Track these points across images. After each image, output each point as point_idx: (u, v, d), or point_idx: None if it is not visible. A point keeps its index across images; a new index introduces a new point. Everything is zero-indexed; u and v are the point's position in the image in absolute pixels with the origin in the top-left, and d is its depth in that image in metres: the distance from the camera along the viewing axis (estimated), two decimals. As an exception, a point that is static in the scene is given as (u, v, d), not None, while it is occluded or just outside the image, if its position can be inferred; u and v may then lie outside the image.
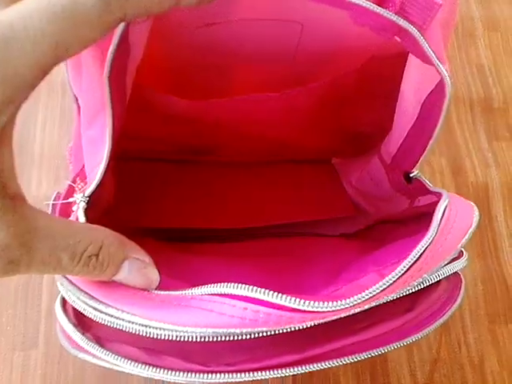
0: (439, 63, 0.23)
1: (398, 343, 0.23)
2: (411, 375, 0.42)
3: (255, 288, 0.18)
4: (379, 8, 0.21)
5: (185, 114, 0.35)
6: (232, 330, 0.19)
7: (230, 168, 0.41)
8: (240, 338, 0.19)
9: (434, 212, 0.22)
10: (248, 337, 0.19)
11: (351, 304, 0.19)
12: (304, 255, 0.34)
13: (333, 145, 0.42)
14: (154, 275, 0.20)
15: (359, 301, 0.19)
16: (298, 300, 0.18)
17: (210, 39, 0.31)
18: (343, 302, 0.18)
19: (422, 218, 0.29)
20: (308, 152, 0.42)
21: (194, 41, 0.30)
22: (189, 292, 0.19)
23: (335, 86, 0.35)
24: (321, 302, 0.18)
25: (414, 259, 0.20)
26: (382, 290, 0.19)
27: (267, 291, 0.18)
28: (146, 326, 0.19)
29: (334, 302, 0.18)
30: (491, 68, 0.54)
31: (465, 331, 0.44)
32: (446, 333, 0.44)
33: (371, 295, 0.19)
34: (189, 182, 0.40)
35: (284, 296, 0.18)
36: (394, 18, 0.21)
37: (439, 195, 0.23)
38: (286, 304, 0.18)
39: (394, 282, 0.20)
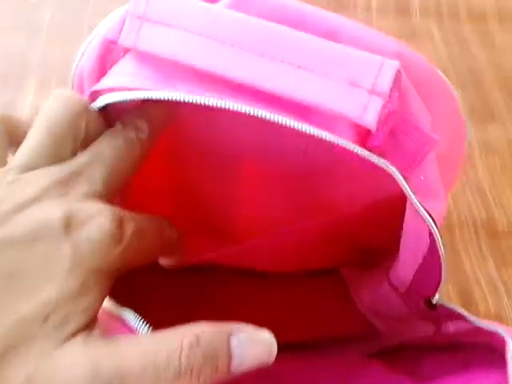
0: (418, 204, 0.22)
1: None
2: None
3: None
4: (356, 147, 0.20)
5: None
6: None
7: (228, 282, 0.39)
8: None
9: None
10: None
11: None
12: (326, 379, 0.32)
13: (340, 257, 0.40)
14: (267, 337, 0.19)
15: None
16: None
17: (214, 126, 0.30)
18: None
19: (459, 348, 0.27)
20: (313, 264, 0.41)
21: (197, 126, 0.30)
22: None
23: (343, 220, 0.35)
24: None
25: None
26: None
27: None
28: None
29: None
30: (492, 190, 0.55)
31: None
32: None
33: None
34: (184, 294, 0.39)
35: None
36: (371, 158, 0.20)
37: (496, 335, 0.21)
38: None
39: None
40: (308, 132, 0.19)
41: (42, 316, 0.17)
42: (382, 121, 0.19)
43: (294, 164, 0.34)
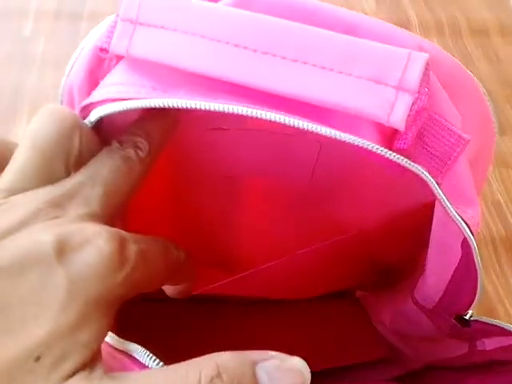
0: (453, 210, 0.20)
1: None
2: None
3: None
4: (382, 149, 0.18)
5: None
6: None
7: (240, 306, 0.37)
8: None
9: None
10: None
11: None
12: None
13: (356, 278, 0.38)
14: (298, 363, 0.17)
15: None
16: None
17: (220, 146, 0.28)
18: None
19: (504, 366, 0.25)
20: (326, 288, 0.39)
21: (202, 145, 0.28)
22: None
23: (356, 239, 0.33)
24: None
25: None
26: None
27: None
28: None
29: None
30: (508, 205, 0.53)
31: None
32: None
33: None
34: (193, 325, 0.37)
35: None
36: (400, 160, 0.18)
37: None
38: None
39: None
40: (328, 134, 0.17)
41: (34, 356, 0.15)
42: (411, 120, 0.17)
43: (302, 186, 0.33)
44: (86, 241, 0.17)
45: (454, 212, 0.19)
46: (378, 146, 0.17)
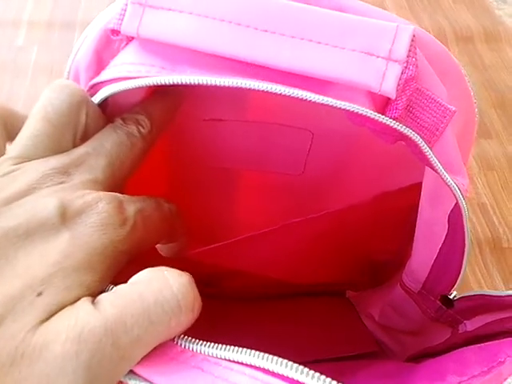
0: (446, 173, 0.22)
1: None
2: None
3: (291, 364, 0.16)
4: (376, 114, 0.20)
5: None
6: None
7: (236, 302, 0.38)
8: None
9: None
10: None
11: None
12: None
13: (346, 276, 0.40)
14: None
15: None
16: None
17: (216, 136, 0.30)
18: None
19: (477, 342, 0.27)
20: (319, 285, 0.40)
21: (199, 135, 0.30)
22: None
23: (345, 218, 0.35)
24: None
25: None
26: None
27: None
28: None
29: None
30: (494, 207, 0.56)
31: None
32: None
33: None
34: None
35: None
36: (393, 124, 0.20)
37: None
38: None
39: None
40: (326, 102, 0.19)
41: (37, 291, 0.16)
42: (401, 88, 0.19)
43: (295, 177, 0.35)
44: (87, 205, 0.19)
45: (445, 174, 0.21)
46: (371, 112, 0.19)
